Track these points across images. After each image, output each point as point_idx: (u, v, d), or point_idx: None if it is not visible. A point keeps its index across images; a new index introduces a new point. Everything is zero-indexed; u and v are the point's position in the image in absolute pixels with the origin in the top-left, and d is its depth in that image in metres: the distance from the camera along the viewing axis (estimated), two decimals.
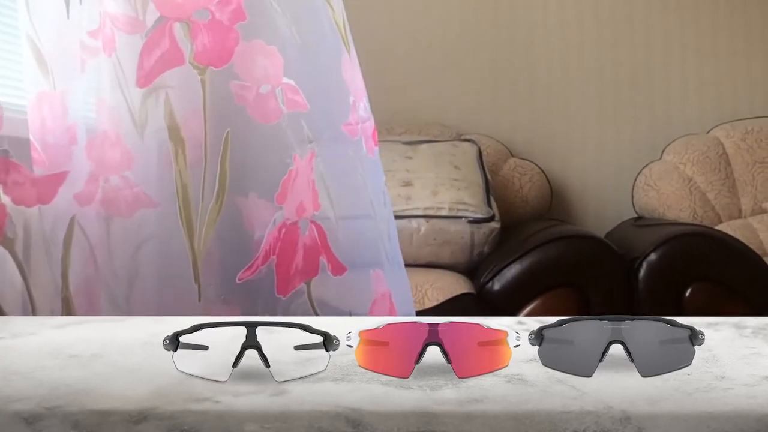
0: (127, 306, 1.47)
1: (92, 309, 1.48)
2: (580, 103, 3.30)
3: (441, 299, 2.45)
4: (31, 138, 1.48)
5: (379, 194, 1.68)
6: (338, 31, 1.61)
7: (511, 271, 2.50)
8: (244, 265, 1.48)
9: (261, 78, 1.50)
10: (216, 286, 1.47)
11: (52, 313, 1.46)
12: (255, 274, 1.48)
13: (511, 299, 2.48)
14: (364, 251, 1.62)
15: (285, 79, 1.51)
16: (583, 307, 2.45)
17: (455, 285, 2.51)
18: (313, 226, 1.53)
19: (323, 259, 1.54)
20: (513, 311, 2.45)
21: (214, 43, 1.46)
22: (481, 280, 2.52)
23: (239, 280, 1.47)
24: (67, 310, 1.47)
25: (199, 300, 1.45)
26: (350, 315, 1.55)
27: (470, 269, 2.65)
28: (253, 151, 1.51)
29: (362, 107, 1.65)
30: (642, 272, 2.48)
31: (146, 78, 1.45)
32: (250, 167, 1.51)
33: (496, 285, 2.49)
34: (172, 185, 1.46)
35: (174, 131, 1.46)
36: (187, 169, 1.46)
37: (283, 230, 1.50)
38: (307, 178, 1.53)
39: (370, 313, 1.56)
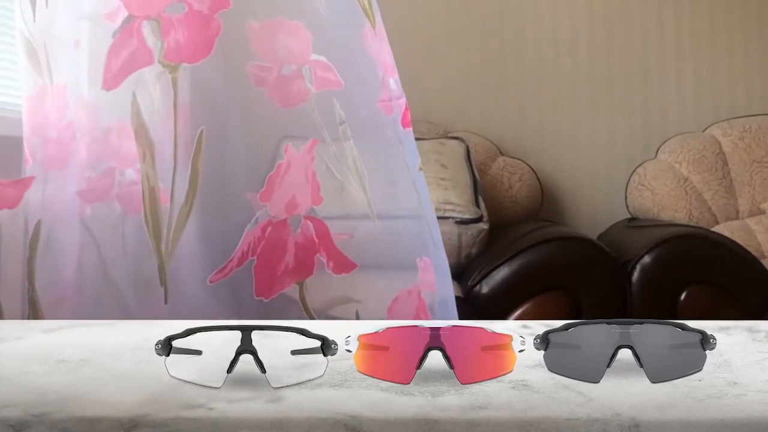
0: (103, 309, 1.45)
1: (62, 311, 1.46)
2: (572, 100, 3.28)
3: None
4: (24, 137, 1.45)
5: (420, 176, 1.62)
6: (359, 2, 1.56)
7: (500, 274, 2.48)
8: (217, 267, 1.45)
9: (284, 58, 1.45)
10: (186, 289, 1.44)
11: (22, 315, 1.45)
12: (228, 275, 1.45)
13: (499, 303, 2.46)
14: (406, 244, 1.57)
15: (314, 56, 1.46)
16: (574, 311, 2.43)
17: None
18: (309, 223, 1.49)
19: (322, 257, 1.49)
20: (502, 315, 2.43)
21: (189, 38, 1.41)
22: (469, 283, 2.50)
23: (211, 282, 1.43)
24: (34, 312, 1.45)
25: (166, 302, 1.43)
26: (357, 316, 1.51)
27: (457, 271, 2.63)
28: (235, 147, 1.48)
29: (393, 83, 1.59)
30: (635, 275, 2.46)
31: (113, 80, 1.41)
32: (230, 164, 1.48)
33: (485, 288, 2.47)
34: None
35: (141, 133, 1.43)
36: (155, 171, 1.43)
37: (269, 229, 1.46)
38: (304, 170, 1.48)
39: (389, 312, 1.51)
